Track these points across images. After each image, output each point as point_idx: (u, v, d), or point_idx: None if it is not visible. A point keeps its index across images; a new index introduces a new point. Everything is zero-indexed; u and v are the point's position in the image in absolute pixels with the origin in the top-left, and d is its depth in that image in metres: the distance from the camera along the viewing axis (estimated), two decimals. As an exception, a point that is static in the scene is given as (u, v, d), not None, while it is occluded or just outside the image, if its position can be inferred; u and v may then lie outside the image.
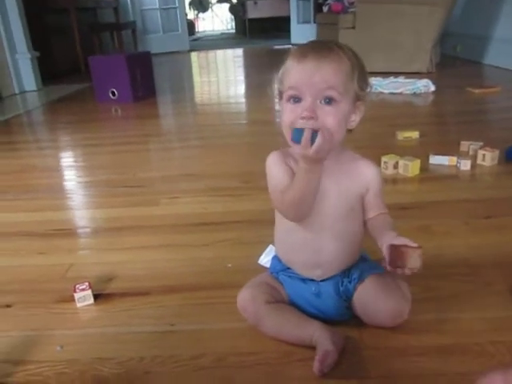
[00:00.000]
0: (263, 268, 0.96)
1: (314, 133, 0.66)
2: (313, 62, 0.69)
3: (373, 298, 0.78)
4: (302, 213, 0.76)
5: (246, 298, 0.81)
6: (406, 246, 0.70)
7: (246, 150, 1.94)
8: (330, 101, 0.70)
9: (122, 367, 0.77)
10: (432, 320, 0.83)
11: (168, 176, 1.69)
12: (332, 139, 0.69)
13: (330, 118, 0.70)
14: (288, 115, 0.72)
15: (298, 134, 0.67)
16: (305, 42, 0.77)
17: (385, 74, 3.13)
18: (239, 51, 6.73)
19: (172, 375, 0.75)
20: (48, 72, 4.14)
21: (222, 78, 4.55)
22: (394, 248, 0.70)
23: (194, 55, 6.44)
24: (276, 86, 0.77)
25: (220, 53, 6.70)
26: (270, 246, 0.96)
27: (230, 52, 6.67)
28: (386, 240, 0.72)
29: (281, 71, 0.75)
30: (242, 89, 3.85)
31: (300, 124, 0.69)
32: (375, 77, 3.07)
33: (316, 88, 0.69)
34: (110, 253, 1.16)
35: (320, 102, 0.70)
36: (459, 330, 0.81)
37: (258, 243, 1.06)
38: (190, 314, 0.89)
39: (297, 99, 0.71)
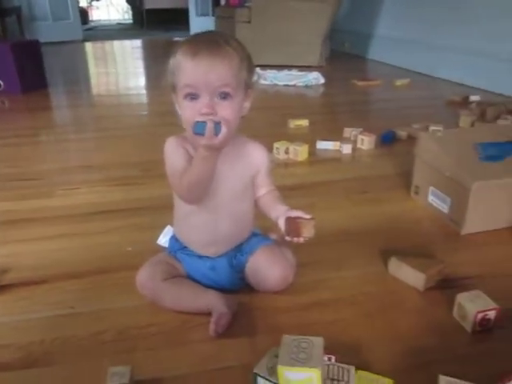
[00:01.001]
0: (162, 248, 1.01)
1: (217, 124, 0.72)
2: (206, 60, 0.73)
3: (262, 267, 0.87)
4: (197, 196, 0.82)
5: (144, 277, 0.86)
6: (300, 217, 0.80)
7: (146, 140, 1.95)
8: (225, 96, 0.75)
9: (21, 351, 0.78)
10: (313, 281, 0.95)
11: (64, 168, 1.65)
12: (232, 128, 0.76)
13: (227, 111, 0.75)
14: (188, 112, 0.76)
15: (201, 126, 0.72)
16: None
17: (279, 67, 3.30)
18: (137, 42, 6.55)
19: (74, 353, 0.77)
20: None
21: (121, 70, 4.42)
22: (290, 220, 0.80)
23: (88, 45, 6.13)
24: (169, 79, 0.80)
25: (117, 44, 6.46)
26: (168, 226, 1.01)
27: (127, 43, 6.46)
28: (281, 213, 0.81)
29: (172, 64, 0.78)
30: (141, 80, 3.78)
31: (201, 118, 0.73)
32: (270, 69, 3.23)
33: (212, 86, 0.73)
34: (4, 246, 1.12)
35: (217, 98, 0.75)
36: (335, 287, 0.94)
37: (157, 227, 1.09)
38: (91, 297, 0.92)
39: (194, 96, 0.75)
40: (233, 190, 0.86)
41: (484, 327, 0.80)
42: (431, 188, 1.24)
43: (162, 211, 1.17)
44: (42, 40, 3.22)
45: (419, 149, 1.29)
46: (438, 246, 1.08)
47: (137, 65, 4.74)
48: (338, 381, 0.54)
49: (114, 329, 0.82)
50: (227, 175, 0.84)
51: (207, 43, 0.75)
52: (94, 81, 3.84)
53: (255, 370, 0.55)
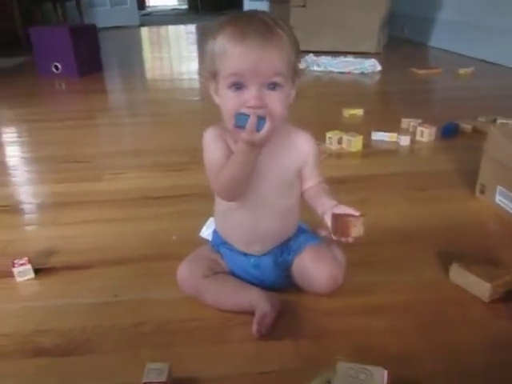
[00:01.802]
0: (204, 241, 0.97)
1: (261, 118, 0.65)
2: (256, 46, 0.65)
3: (309, 268, 0.81)
4: (234, 194, 0.75)
5: (185, 274, 0.82)
6: (348, 215, 0.72)
7: (196, 126, 1.89)
8: (275, 86, 0.68)
9: (62, 338, 0.77)
10: (363, 283, 0.88)
11: (115, 152, 1.66)
12: (276, 122, 0.68)
13: (277, 103, 0.68)
14: (231, 103, 0.68)
15: (243, 119, 0.65)
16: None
17: (334, 54, 3.18)
18: (192, 27, 6.57)
19: (113, 342, 0.76)
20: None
21: (175, 54, 4.45)
22: (337, 217, 0.72)
23: (144, 30, 6.23)
24: (207, 66, 0.71)
25: (172, 28, 6.52)
26: (211, 218, 0.97)
27: (182, 28, 6.51)
28: (328, 209, 0.74)
29: (212, 49, 0.69)
30: (194, 65, 3.78)
31: (246, 111, 0.66)
32: (325, 56, 3.12)
33: (263, 75, 0.66)
34: (52, 228, 1.14)
35: (265, 89, 0.67)
36: (388, 292, 0.87)
37: (203, 216, 1.06)
38: (133, 285, 0.90)
39: (239, 86, 0.67)
40: (277, 183, 0.79)
41: (560, 349, 0.71)
42: (499, 187, 1.13)
43: (209, 199, 1.13)
44: (99, 25, 3.29)
45: (488, 144, 1.18)
46: (506, 251, 0.98)
47: (190, 49, 4.76)
48: None
49: (155, 321, 0.80)
50: (271, 167, 0.77)
51: (256, 25, 0.66)
52: (148, 65, 3.89)
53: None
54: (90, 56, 3.04)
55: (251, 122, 0.64)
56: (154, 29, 6.48)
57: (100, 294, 0.88)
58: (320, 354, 0.73)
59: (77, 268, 0.96)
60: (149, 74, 3.48)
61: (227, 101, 0.69)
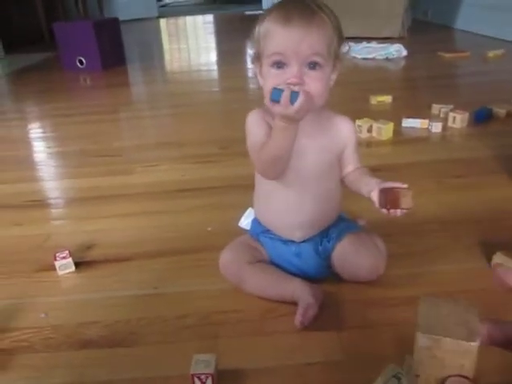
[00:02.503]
0: (243, 231, 0.97)
1: (293, 92, 0.66)
2: (298, 27, 0.68)
3: (351, 256, 0.81)
4: (276, 171, 0.77)
5: (228, 259, 0.83)
6: (397, 187, 0.72)
7: (222, 117, 1.93)
8: (314, 65, 0.70)
9: (108, 330, 0.78)
10: (406, 274, 0.87)
11: (143, 145, 1.67)
12: (313, 100, 0.69)
13: (316, 83, 0.70)
14: (273, 80, 0.71)
15: (277, 93, 0.67)
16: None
17: (357, 39, 3.12)
18: (209, 17, 6.55)
19: (158, 334, 0.77)
20: (9, 40, 3.95)
21: (193, 45, 4.44)
22: (385, 191, 0.72)
23: (162, 22, 6.23)
24: (253, 48, 0.75)
25: (190, 19, 6.51)
26: (250, 208, 0.97)
27: (199, 18, 6.49)
28: (374, 186, 0.74)
29: (258, 32, 0.73)
30: (213, 56, 3.77)
31: (283, 87, 0.68)
32: (349, 42, 3.06)
33: (303, 55, 0.69)
34: (88, 222, 1.15)
35: (306, 68, 0.70)
36: (431, 282, 0.85)
37: (237, 207, 1.06)
38: (173, 278, 0.91)
39: (281, 65, 0.70)
40: (318, 166, 0.80)
41: None
42: (541, 174, 1.09)
43: (243, 190, 1.13)
44: (119, 17, 3.29)
45: (528, 129, 1.14)
46: (551, 240, 0.95)
47: (208, 40, 4.74)
48: None
49: (197, 313, 0.80)
50: (312, 150, 0.79)
51: (300, 9, 0.70)
52: (167, 57, 3.89)
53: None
54: (113, 49, 3.05)
55: (285, 95, 0.66)
56: (172, 20, 6.48)
57: (140, 287, 0.89)
58: (363, 345, 0.73)
59: (116, 261, 0.97)
60: (169, 66, 3.49)
61: (269, 78, 0.72)
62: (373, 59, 2.84)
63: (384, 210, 0.72)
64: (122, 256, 0.98)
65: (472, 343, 0.39)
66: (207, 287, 0.87)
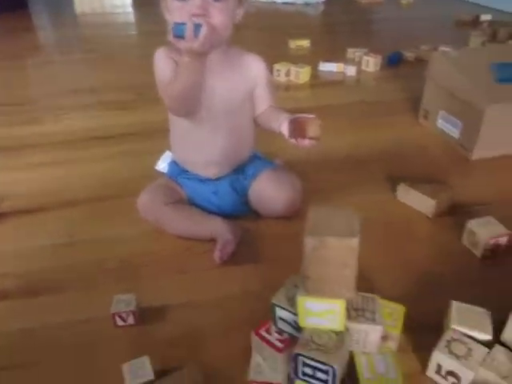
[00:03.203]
0: (161, 174, 0.96)
1: (196, 25, 0.65)
2: None
3: (267, 191, 0.84)
4: (187, 107, 0.76)
5: (147, 201, 0.82)
6: (305, 117, 0.74)
7: (138, 62, 1.82)
8: None
9: (21, 279, 0.76)
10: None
11: (54, 92, 1.56)
12: (217, 32, 0.68)
13: (220, 14, 0.69)
14: (177, 14, 0.69)
15: (179, 28, 0.65)
16: None
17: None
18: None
19: (77, 280, 0.76)
20: None
21: (105, -14, 4.10)
22: (293, 121, 0.74)
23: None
24: None
25: (100, -43, 5.97)
26: (167, 151, 0.96)
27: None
28: (284, 119, 0.76)
29: None
30: (128, -3, 3.52)
31: (187, 20, 0.66)
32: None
33: None
34: (-5, 174, 1.07)
35: None
36: (342, 214, 0.91)
37: (154, 153, 1.04)
38: (90, 225, 0.89)
39: None
40: (228, 103, 0.80)
41: (494, 253, 0.79)
42: (441, 112, 1.18)
43: (160, 136, 1.10)
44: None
45: (430, 69, 1.22)
46: (448, 171, 1.05)
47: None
48: (363, 310, 0.51)
49: (116, 257, 0.80)
50: (222, 87, 0.79)
51: None
52: (77, -1, 3.57)
53: (273, 301, 0.53)
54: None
55: (188, 28, 0.65)
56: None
57: (55, 236, 0.86)
58: (279, 275, 0.76)
59: (28, 212, 0.93)
60: (79, 8, 3.21)
61: (174, 12, 0.71)
62: (292, 4, 2.81)
63: (293, 140, 0.75)
64: (34, 207, 0.94)
65: (353, 239, 0.43)
66: (126, 231, 0.86)
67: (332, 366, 0.45)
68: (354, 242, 0.44)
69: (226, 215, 0.85)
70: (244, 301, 0.71)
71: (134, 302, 0.67)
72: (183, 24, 0.65)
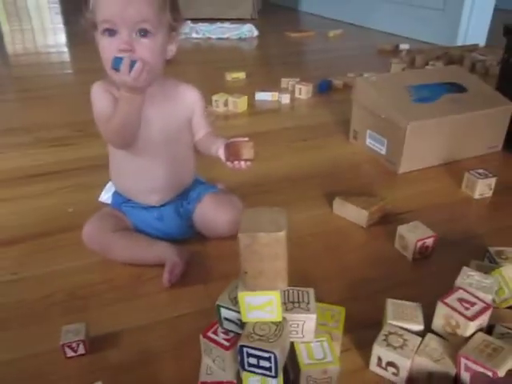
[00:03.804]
0: (105, 205, 0.97)
1: (133, 61, 0.69)
2: None
3: (210, 213, 0.87)
4: (126, 140, 0.79)
5: (91, 230, 0.83)
6: (239, 141, 0.79)
7: (76, 100, 1.81)
8: (145, 33, 0.72)
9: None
10: (262, 226, 0.96)
11: (-14, 132, 1.52)
12: (150, 68, 0.71)
13: (146, 50, 0.72)
14: (106, 49, 0.72)
15: (117, 62, 0.69)
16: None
17: (212, 20, 3.19)
18: (54, -3, 6.02)
19: (23, 317, 0.74)
20: None
21: (38, 26, 4.06)
22: (229, 145, 0.79)
23: (-2, 1, 5.56)
24: (88, 18, 0.74)
25: (31, -2, 5.90)
26: (110, 182, 0.97)
27: (42, -2, 5.92)
28: (220, 144, 0.80)
29: (91, 2, 0.73)
30: (62, 37, 3.51)
31: (120, 54, 0.70)
32: (203, 23, 3.11)
33: (130, 21, 0.70)
34: None
35: (136, 35, 0.71)
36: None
37: (97, 186, 1.04)
38: (34, 261, 0.87)
39: (112, 32, 0.71)
40: (165, 133, 0.83)
41: (423, 254, 0.86)
42: (368, 131, 1.28)
43: (100, 170, 1.11)
44: None
45: (356, 94, 1.32)
46: (378, 185, 1.13)
47: (55, 21, 4.38)
48: (299, 302, 0.56)
49: (63, 290, 0.79)
50: (158, 118, 0.82)
51: None
52: (8, 38, 3.50)
53: (218, 302, 0.56)
54: None
55: (125, 63, 0.68)
56: (10, -1, 5.80)
57: (-1, 274, 0.84)
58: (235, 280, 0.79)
59: (-34, 253, 0.90)
60: (11, 49, 3.16)
61: (103, 47, 0.73)
62: (227, 39, 2.93)
63: (229, 163, 0.79)
64: (-28, 247, 0.91)
65: (279, 233, 0.49)
66: (71, 264, 0.86)
67: (273, 353, 0.49)
68: (282, 235, 0.49)
69: (172, 240, 0.87)
70: (195, 319, 0.73)
71: (84, 331, 0.67)
72: (122, 58, 0.69)
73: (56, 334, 0.67)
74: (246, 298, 0.51)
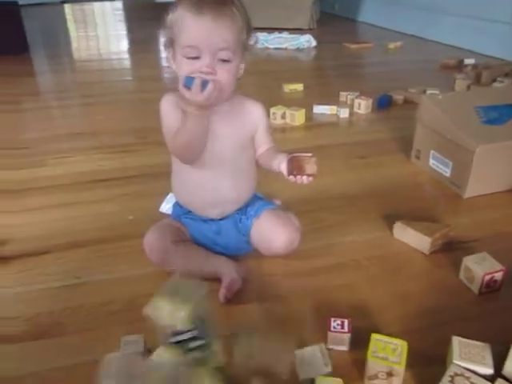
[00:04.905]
0: (165, 216, 0.99)
1: (204, 81, 0.70)
2: (210, 20, 0.71)
3: (268, 231, 0.86)
4: (192, 155, 0.81)
5: (153, 239, 0.85)
6: (302, 156, 0.79)
7: (136, 107, 1.90)
8: (226, 60, 0.74)
9: (30, 323, 0.76)
10: (318, 246, 0.95)
11: (53, 136, 1.60)
12: (221, 89, 0.74)
13: (226, 74, 0.75)
14: (186, 68, 0.74)
15: (189, 80, 0.71)
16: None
17: (270, 30, 3.21)
18: (118, 4, 6.29)
19: (84, 322, 0.77)
20: None
21: (102, 33, 4.25)
22: (292, 159, 0.79)
23: (67, 7, 5.87)
24: (166, 34, 0.77)
25: (97, 6, 6.20)
26: (171, 193, 0.99)
27: (108, 5, 6.21)
28: (283, 159, 0.80)
29: (171, 19, 0.75)
30: (124, 44, 3.65)
31: (197, 75, 0.72)
32: (261, 32, 3.13)
33: (214, 48, 0.73)
34: (1, 217, 1.09)
35: (217, 60, 0.74)
36: (341, 252, 0.94)
37: (157, 195, 1.08)
38: (96, 266, 0.90)
39: (194, 56, 0.73)
40: (231, 148, 0.84)
41: (491, 288, 0.81)
42: (432, 152, 1.23)
43: (162, 178, 1.14)
44: (19, 1, 3.06)
45: (420, 112, 1.28)
46: (441, 209, 1.09)
47: (119, 28, 4.57)
48: None
49: (122, 299, 0.81)
50: (225, 132, 0.83)
51: (212, 1, 0.72)
52: (75, 45, 3.69)
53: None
54: (13, 36, 2.84)
55: (196, 83, 0.70)
56: (78, 6, 6.12)
57: (62, 278, 0.87)
58: (284, 312, 0.78)
59: (32, 255, 0.94)
60: (77, 55, 3.32)
61: (182, 66, 0.75)
62: (285, 49, 2.94)
63: (291, 177, 0.79)
64: (38, 250, 0.95)
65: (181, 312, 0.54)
66: (131, 273, 0.88)
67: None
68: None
69: (228, 254, 0.87)
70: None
71: (142, 342, 0.68)
72: (193, 78, 0.71)
73: (114, 342, 0.68)
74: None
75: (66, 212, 1.10)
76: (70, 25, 4.85)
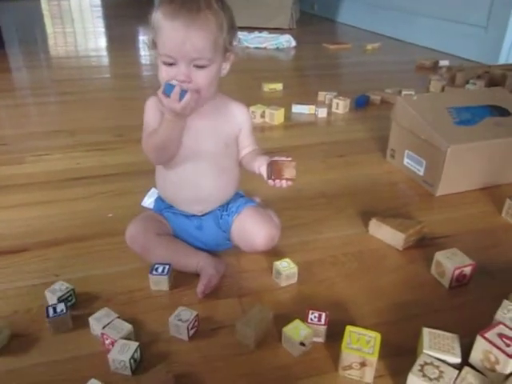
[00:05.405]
0: (147, 210, 0.99)
1: (183, 90, 0.72)
2: (182, 28, 0.71)
3: (248, 227, 0.88)
4: (161, 158, 0.83)
5: (135, 231, 0.86)
6: (281, 160, 0.80)
7: (115, 105, 1.89)
8: (201, 66, 0.75)
9: (6, 321, 0.76)
10: (297, 242, 0.97)
11: (31, 133, 1.58)
12: (199, 99, 0.76)
13: (202, 79, 0.76)
14: (164, 74, 0.76)
15: (169, 88, 0.73)
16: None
17: (250, 29, 3.22)
18: (97, 1, 6.21)
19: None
20: None
21: (80, 30, 4.19)
22: (271, 163, 0.80)
23: (44, 3, 5.77)
24: (149, 34, 0.77)
25: (74, 2, 6.11)
26: (153, 188, 1.00)
27: (86, 1, 6.12)
28: (263, 162, 0.82)
29: (153, 20, 0.75)
30: (103, 41, 3.61)
31: (174, 82, 0.73)
32: (241, 31, 3.14)
33: (188, 57, 0.74)
34: (-25, 215, 1.08)
35: (193, 66, 0.75)
36: (318, 248, 0.96)
37: (136, 193, 1.08)
38: (75, 264, 0.90)
39: (171, 64, 0.75)
40: (213, 146, 0.86)
41: (460, 282, 0.85)
42: (407, 151, 1.27)
43: (141, 177, 1.16)
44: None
45: (395, 112, 1.31)
46: (415, 206, 1.12)
47: (97, 24, 4.51)
48: None
49: (102, 296, 0.81)
50: (207, 130, 0.84)
51: (188, 7, 0.72)
52: (52, 41, 3.63)
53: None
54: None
55: (175, 91, 0.72)
56: (55, 1, 6.02)
57: (40, 276, 0.87)
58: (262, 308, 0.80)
59: (10, 252, 0.93)
60: (54, 51, 3.27)
61: (161, 71, 0.77)
62: (264, 49, 2.96)
63: (270, 181, 0.80)
64: (16, 247, 0.95)
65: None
66: (110, 270, 0.88)
67: None
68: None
69: (208, 250, 0.89)
70: (231, 332, 0.74)
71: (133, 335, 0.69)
72: (173, 85, 0.72)
73: (92, 338, 0.70)
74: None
75: (44, 210, 1.09)
76: (47, 20, 4.77)
